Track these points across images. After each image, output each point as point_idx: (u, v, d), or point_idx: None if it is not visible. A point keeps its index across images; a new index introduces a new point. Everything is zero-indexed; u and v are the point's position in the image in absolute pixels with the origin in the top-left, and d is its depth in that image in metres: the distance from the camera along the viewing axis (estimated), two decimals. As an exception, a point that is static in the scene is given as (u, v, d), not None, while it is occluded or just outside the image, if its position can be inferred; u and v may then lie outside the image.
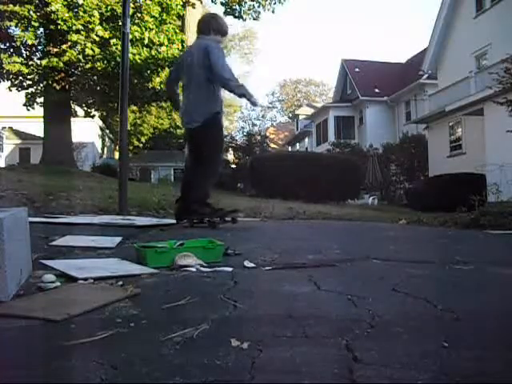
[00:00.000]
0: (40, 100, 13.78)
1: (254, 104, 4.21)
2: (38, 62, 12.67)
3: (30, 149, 27.33)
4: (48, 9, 11.23)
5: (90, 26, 11.48)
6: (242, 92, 4.06)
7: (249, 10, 16.78)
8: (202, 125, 4.06)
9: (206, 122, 4.06)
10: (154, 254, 2.39)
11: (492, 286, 2.22)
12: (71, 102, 14.03)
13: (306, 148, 35.93)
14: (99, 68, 12.18)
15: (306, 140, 37.17)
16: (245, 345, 1.23)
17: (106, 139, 36.38)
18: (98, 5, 11.49)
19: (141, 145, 38.62)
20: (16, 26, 12.23)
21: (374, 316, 1.53)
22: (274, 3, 16.79)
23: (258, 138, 24.39)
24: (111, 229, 3.70)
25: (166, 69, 13.45)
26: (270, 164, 13.70)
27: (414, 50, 62.91)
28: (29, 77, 12.96)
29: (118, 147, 13.45)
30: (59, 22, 11.23)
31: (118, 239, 3.18)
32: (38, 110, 14.31)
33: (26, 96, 13.62)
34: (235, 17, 17.23)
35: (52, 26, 11.70)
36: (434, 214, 7.76)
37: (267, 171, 13.16)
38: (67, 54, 11.74)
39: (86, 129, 24.72)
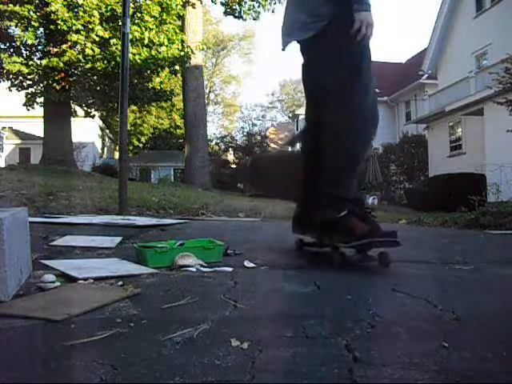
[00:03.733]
0: (40, 100, 13.77)
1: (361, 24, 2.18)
2: (38, 61, 12.66)
3: (30, 149, 27.35)
4: (48, 9, 11.23)
5: (90, 26, 11.48)
6: None
7: (249, 9, 16.80)
8: (322, 33, 2.26)
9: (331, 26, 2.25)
10: (154, 254, 2.39)
11: (492, 285, 2.23)
12: (71, 101, 14.02)
13: (306, 148, 35.88)
14: (99, 68, 12.18)
15: (306, 140, 37.12)
16: (245, 345, 1.23)
17: (106, 139, 36.37)
18: (98, 5, 11.49)
19: (141, 145, 38.66)
20: (16, 26, 12.23)
21: (374, 316, 1.53)
22: (274, 3, 16.82)
23: (258, 138, 24.41)
24: (111, 229, 3.70)
25: (166, 69, 13.44)
26: (270, 164, 13.66)
27: (414, 50, 62.89)
28: (29, 77, 12.96)
29: (118, 147, 13.44)
30: (59, 22, 11.23)
31: (118, 239, 3.18)
32: (38, 110, 14.31)
33: (26, 96, 13.61)
34: (235, 17, 17.24)
35: (52, 26, 11.70)
36: (434, 213, 7.77)
37: (267, 171, 13.12)
38: (67, 54, 11.73)
39: (86, 129, 24.72)
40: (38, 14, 11.64)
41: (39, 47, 13.01)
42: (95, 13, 11.42)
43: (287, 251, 2.99)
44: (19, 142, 29.47)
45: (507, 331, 1.48)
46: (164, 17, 12.60)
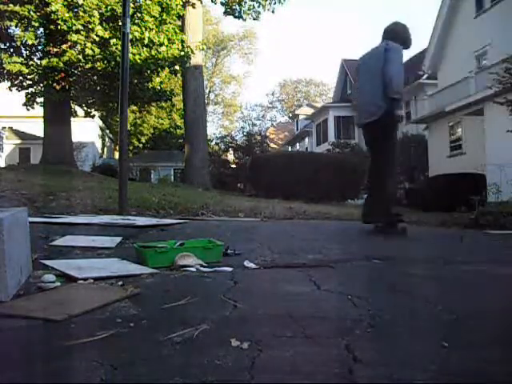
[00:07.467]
0: (40, 100, 13.75)
1: (396, 118, 4.18)
2: (38, 61, 12.64)
3: (30, 149, 27.33)
4: (48, 9, 11.20)
5: (90, 26, 11.46)
6: (394, 100, 4.08)
7: (249, 9, 16.78)
8: (379, 118, 4.05)
9: (383, 116, 4.04)
10: (154, 254, 2.39)
11: (491, 285, 2.22)
12: (71, 101, 14.00)
13: (306, 148, 35.91)
14: (99, 68, 12.16)
15: (306, 140, 37.16)
16: (245, 345, 1.23)
17: (106, 139, 36.35)
18: (97, 5, 11.47)
19: (141, 145, 38.64)
20: (16, 26, 12.21)
21: (374, 316, 1.53)
22: (274, 3, 16.78)
23: (258, 138, 24.37)
24: (111, 229, 3.70)
25: (166, 69, 13.43)
26: (270, 164, 13.70)
27: (414, 49, 62.75)
28: (29, 77, 12.94)
29: (118, 147, 13.40)
30: (59, 22, 11.20)
31: (118, 239, 3.18)
32: (38, 110, 14.29)
33: (26, 96, 13.59)
34: (235, 17, 17.21)
35: (52, 26, 11.68)
36: (434, 213, 7.77)
37: (267, 171, 13.16)
38: (67, 54, 11.71)
39: (86, 129, 24.69)
40: (38, 14, 11.61)
41: (39, 47, 12.98)
42: (95, 13, 11.40)
43: (287, 251, 2.99)
44: (19, 142, 29.45)
45: (506, 331, 1.48)
46: (164, 17, 12.58)
